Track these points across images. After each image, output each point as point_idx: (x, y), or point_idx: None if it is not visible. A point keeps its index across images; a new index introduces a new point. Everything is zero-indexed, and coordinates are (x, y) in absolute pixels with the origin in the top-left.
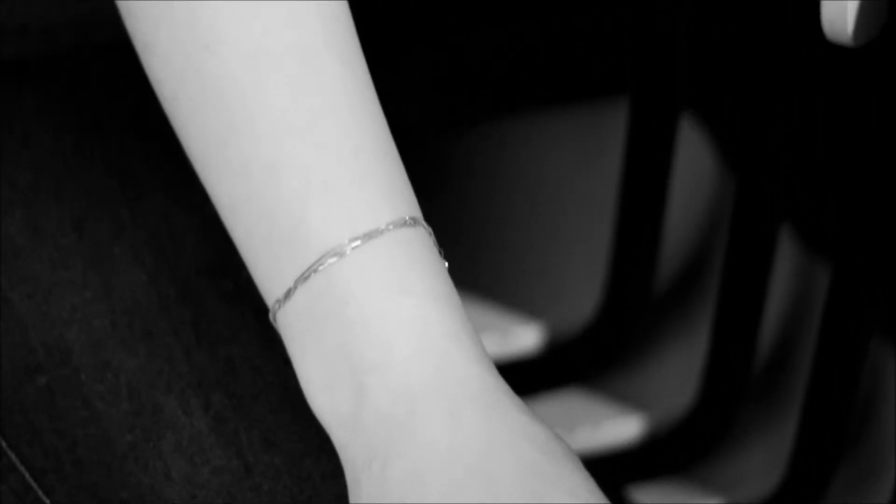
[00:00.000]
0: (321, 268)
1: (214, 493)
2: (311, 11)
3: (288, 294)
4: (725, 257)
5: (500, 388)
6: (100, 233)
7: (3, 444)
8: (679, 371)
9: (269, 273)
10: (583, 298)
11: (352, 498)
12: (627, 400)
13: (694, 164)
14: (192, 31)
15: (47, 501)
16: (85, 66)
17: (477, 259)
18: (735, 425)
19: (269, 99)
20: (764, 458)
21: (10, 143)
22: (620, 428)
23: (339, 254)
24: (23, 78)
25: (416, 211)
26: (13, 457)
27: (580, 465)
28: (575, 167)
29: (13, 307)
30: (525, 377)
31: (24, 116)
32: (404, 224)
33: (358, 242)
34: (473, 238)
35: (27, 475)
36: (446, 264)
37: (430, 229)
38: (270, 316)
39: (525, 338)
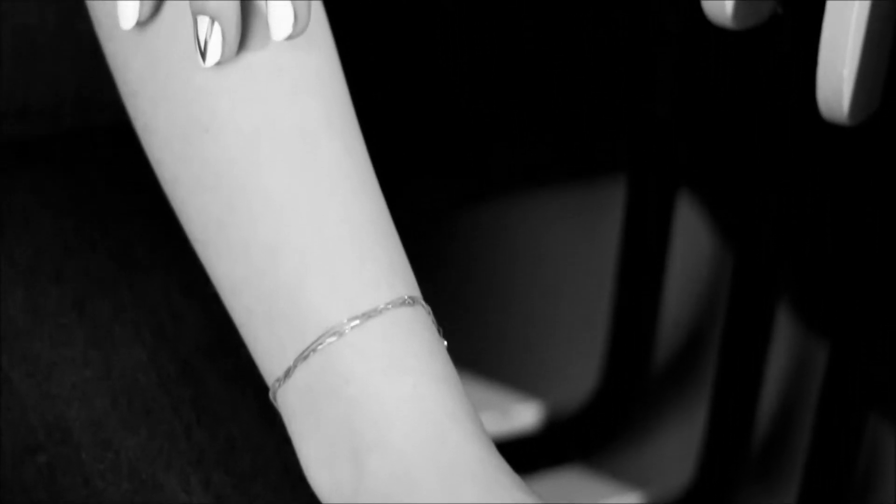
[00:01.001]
0: (320, 347)
1: None
2: (311, 94)
3: (288, 373)
4: (723, 334)
5: (499, 467)
6: (100, 312)
7: None
8: (678, 448)
9: (268, 352)
10: (582, 376)
11: None
12: (627, 477)
13: (691, 242)
14: (191, 112)
15: None
16: (85, 148)
17: (476, 338)
18: (734, 503)
19: (269, 181)
20: None
21: (10, 224)
22: None
23: (339, 333)
24: (23, 159)
25: (414, 290)
26: None
27: None
28: (573, 245)
29: (13, 386)
30: (525, 455)
31: (24, 197)
32: (403, 303)
33: (357, 322)
34: (472, 317)
35: None
36: (445, 343)
37: (428, 308)
38: (270, 394)
39: (524, 416)
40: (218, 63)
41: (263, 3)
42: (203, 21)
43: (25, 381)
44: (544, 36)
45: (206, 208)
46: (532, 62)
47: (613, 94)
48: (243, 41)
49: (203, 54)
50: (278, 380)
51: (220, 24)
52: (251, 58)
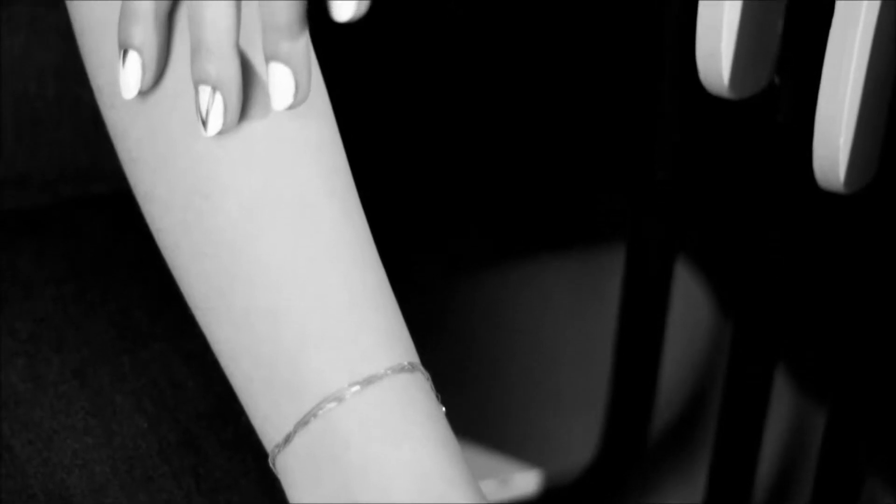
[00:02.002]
0: (321, 413)
1: None
2: (311, 163)
3: (287, 439)
4: (722, 401)
5: None
6: (100, 380)
7: None
8: None
9: (268, 418)
10: (581, 443)
11: None
12: None
13: (691, 309)
14: (192, 180)
15: None
16: (85, 217)
17: (475, 405)
18: None
19: (269, 248)
20: None
21: (11, 293)
22: None
23: (339, 399)
24: (24, 228)
25: (413, 356)
26: None
27: None
28: (573, 312)
29: (15, 454)
30: None
31: (25, 266)
32: (402, 369)
33: (357, 388)
34: (471, 384)
35: None
36: (444, 409)
37: (427, 375)
38: (270, 461)
39: (524, 484)
40: (219, 132)
41: (264, 72)
42: (205, 90)
43: (26, 448)
44: (545, 102)
45: (207, 275)
46: (532, 128)
47: (614, 160)
48: (244, 110)
49: (205, 123)
50: (278, 446)
51: (222, 94)
52: (252, 127)
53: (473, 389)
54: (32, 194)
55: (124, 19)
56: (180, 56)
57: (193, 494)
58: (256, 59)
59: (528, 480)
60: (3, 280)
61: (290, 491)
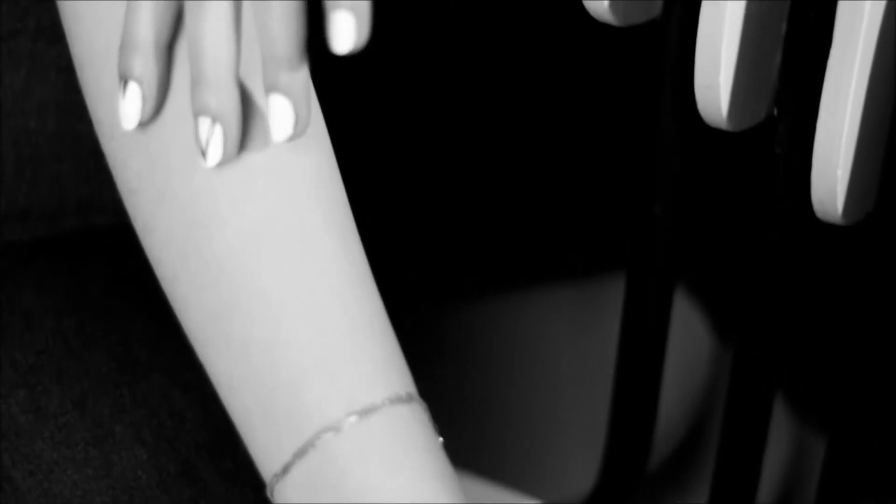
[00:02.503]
0: (319, 443)
1: None
2: (310, 195)
3: (285, 469)
4: (721, 429)
5: None
6: (101, 412)
7: None
8: None
9: (266, 448)
10: (581, 473)
11: None
12: None
13: (690, 339)
14: (191, 211)
15: None
16: (86, 250)
17: (473, 434)
18: None
19: (267, 279)
20: None
21: (12, 325)
22: None
23: (337, 429)
24: (25, 260)
25: (411, 387)
26: None
27: None
28: (572, 342)
29: (15, 485)
30: None
31: (26, 298)
32: (400, 400)
33: (355, 418)
34: (469, 413)
35: None
36: (441, 440)
37: (425, 405)
38: (267, 491)
39: None
40: (219, 163)
41: (264, 104)
42: (204, 122)
43: (27, 479)
44: (545, 132)
45: (205, 306)
46: (531, 158)
47: (613, 190)
48: (243, 141)
49: (204, 154)
50: (276, 476)
51: (222, 125)
52: (251, 158)
53: (471, 419)
54: (33, 227)
55: (124, 51)
56: (180, 87)
57: None
58: (256, 91)
59: None
60: (4, 312)
61: None
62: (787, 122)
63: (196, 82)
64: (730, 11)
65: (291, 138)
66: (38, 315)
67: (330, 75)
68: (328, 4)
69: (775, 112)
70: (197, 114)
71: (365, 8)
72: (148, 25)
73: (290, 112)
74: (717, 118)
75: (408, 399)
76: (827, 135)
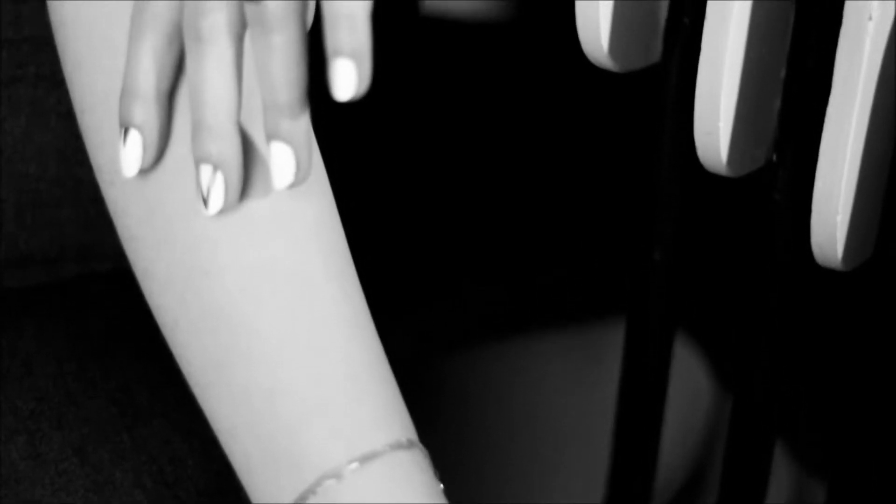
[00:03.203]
0: (319, 489)
1: None
2: (310, 241)
3: None
4: (722, 476)
5: None
6: (101, 458)
7: None
8: None
9: (267, 494)
10: None
11: None
12: None
13: (689, 386)
14: (192, 257)
15: None
16: (86, 295)
17: (474, 480)
18: None
19: (268, 325)
20: None
21: (12, 371)
22: None
23: (338, 476)
24: (25, 306)
25: (412, 433)
26: None
27: None
28: (572, 389)
29: None
30: None
31: (26, 344)
32: (401, 446)
33: (356, 465)
34: (470, 459)
35: None
36: (442, 486)
37: (426, 451)
38: None
39: None
40: (220, 211)
41: (265, 150)
42: (206, 169)
43: None
44: (544, 178)
45: (206, 352)
46: (531, 203)
47: (612, 237)
48: (244, 188)
49: (205, 202)
50: None
51: (223, 173)
52: (252, 205)
53: (472, 465)
54: (33, 273)
55: (125, 97)
56: (181, 134)
57: None
58: (257, 138)
59: None
60: (5, 358)
61: None
62: (786, 168)
63: (197, 129)
64: (729, 57)
65: (293, 185)
66: (38, 361)
67: (331, 121)
68: (329, 52)
69: (775, 158)
70: (198, 161)
71: (366, 56)
72: (149, 72)
73: (292, 159)
74: (717, 164)
75: (409, 445)
76: (826, 181)
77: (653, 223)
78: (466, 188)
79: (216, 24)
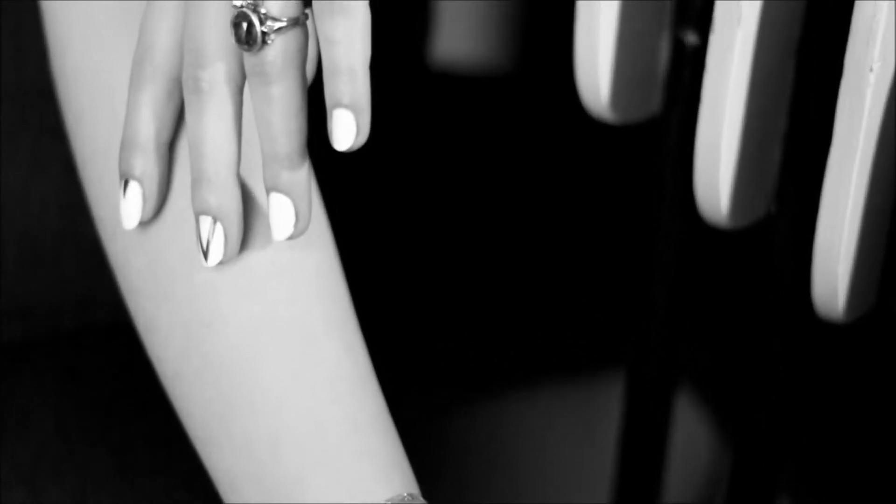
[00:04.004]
0: None
1: None
2: (311, 293)
3: None
4: None
5: None
6: None
7: None
8: None
9: None
10: None
11: None
12: None
13: (689, 441)
14: (193, 309)
15: None
16: (86, 347)
17: None
18: None
19: (269, 376)
20: None
21: (11, 423)
22: None
23: None
24: (25, 358)
25: (413, 486)
26: None
27: None
28: (571, 443)
29: None
30: None
31: (26, 396)
32: (402, 500)
33: None
34: None
35: None
36: None
37: None
38: None
39: None
40: (220, 262)
41: (265, 202)
42: (206, 221)
43: None
44: (544, 231)
45: (207, 403)
46: (531, 257)
47: (613, 289)
48: (244, 240)
49: (205, 254)
50: None
51: (223, 225)
52: (252, 256)
53: None
54: (34, 325)
55: (125, 150)
56: (180, 186)
57: None
58: (257, 189)
59: None
60: (5, 409)
61: None
62: (787, 220)
63: (197, 181)
64: (729, 109)
65: (293, 237)
66: (39, 412)
67: (332, 172)
68: (329, 103)
69: (774, 209)
70: (198, 213)
71: (365, 106)
72: (149, 124)
73: (291, 211)
74: (718, 216)
75: (410, 500)
76: (828, 232)
77: (653, 275)
78: (467, 239)
79: (216, 75)
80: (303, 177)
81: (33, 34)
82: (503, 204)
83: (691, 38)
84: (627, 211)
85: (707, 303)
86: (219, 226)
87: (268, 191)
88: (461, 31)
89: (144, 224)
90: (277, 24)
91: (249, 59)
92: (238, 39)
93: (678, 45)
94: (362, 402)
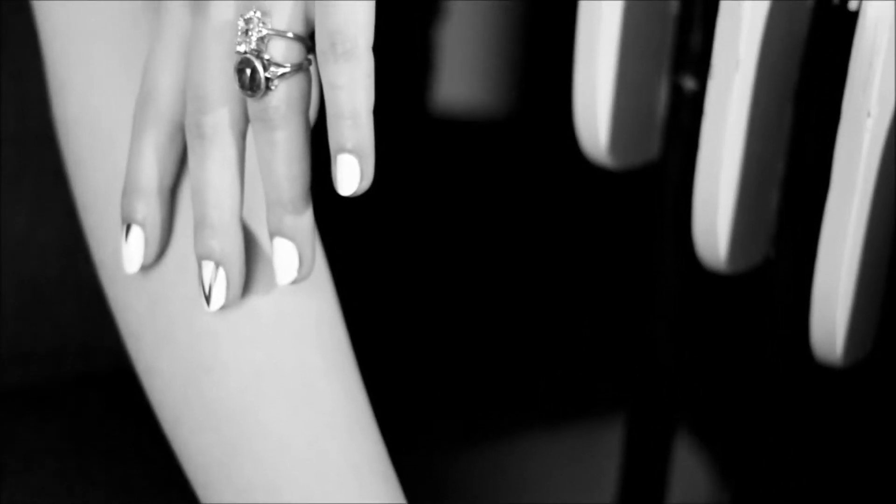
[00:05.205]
0: None
1: None
2: (312, 338)
3: None
4: None
5: None
6: None
7: None
8: None
9: None
10: None
11: None
12: None
13: (689, 486)
14: (194, 354)
15: None
16: (87, 393)
17: None
18: None
19: (270, 422)
20: None
21: (13, 466)
22: None
23: None
24: (26, 403)
25: None
26: None
27: None
28: (571, 490)
29: None
30: None
31: (27, 440)
32: None
33: None
34: None
35: None
36: None
37: None
38: None
39: None
40: (221, 307)
41: (268, 246)
42: (208, 265)
43: None
44: (542, 276)
45: (208, 448)
46: (530, 306)
47: (611, 335)
48: (247, 285)
49: (207, 298)
50: None
51: (225, 269)
52: (254, 301)
53: None
54: (35, 370)
55: (127, 194)
56: (183, 230)
57: None
58: (260, 234)
59: None
60: (5, 453)
61: None
62: (785, 264)
63: (199, 226)
64: (728, 154)
65: (296, 281)
66: (39, 457)
67: (334, 216)
68: (332, 147)
69: (772, 254)
70: (200, 257)
71: (369, 152)
72: (151, 169)
73: (295, 255)
74: (716, 261)
75: None
76: (826, 277)
77: (652, 320)
78: (469, 285)
79: (219, 120)
80: (306, 221)
81: (35, 80)
82: (505, 249)
83: (690, 83)
84: (627, 256)
85: (706, 348)
86: (221, 270)
87: (271, 235)
88: (463, 77)
89: (146, 268)
90: (281, 70)
91: (253, 104)
92: (242, 85)
93: (677, 91)
94: (362, 447)
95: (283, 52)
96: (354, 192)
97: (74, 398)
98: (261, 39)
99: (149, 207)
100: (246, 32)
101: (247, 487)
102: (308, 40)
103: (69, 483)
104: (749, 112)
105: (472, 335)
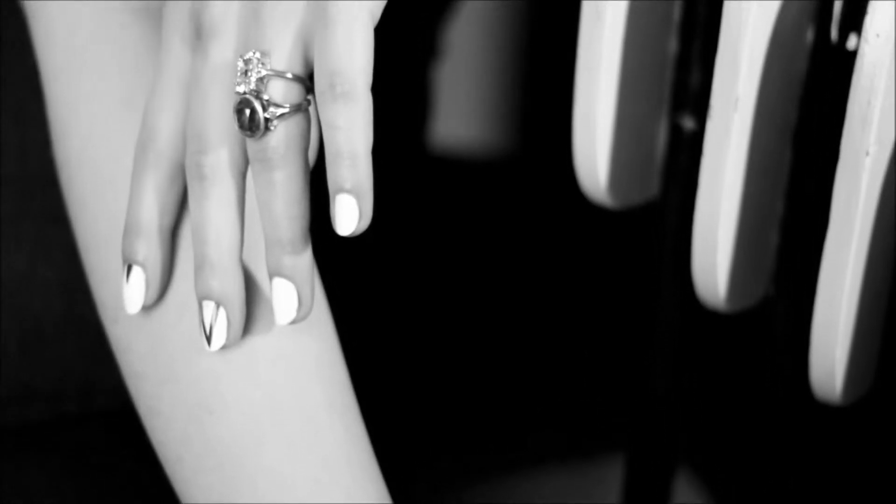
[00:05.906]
0: None
1: None
2: (312, 378)
3: None
4: None
5: None
6: None
7: None
8: None
9: None
10: None
11: None
12: None
13: None
14: (195, 394)
15: None
16: (88, 432)
17: None
18: None
19: (271, 461)
20: None
21: None
22: None
23: None
24: (27, 443)
25: None
26: None
27: None
28: None
29: None
30: None
31: (28, 480)
32: None
33: None
34: None
35: None
36: None
37: None
38: None
39: None
40: (222, 347)
41: (267, 287)
42: (208, 306)
43: None
44: (540, 315)
45: (210, 488)
46: (529, 342)
47: (612, 374)
48: (247, 325)
49: (208, 338)
50: None
51: (226, 309)
52: (254, 341)
53: None
54: (36, 410)
55: (128, 235)
56: (183, 271)
57: None
58: (259, 274)
59: None
60: (7, 493)
61: None
62: (784, 303)
63: (199, 266)
64: (727, 193)
65: (295, 321)
66: (40, 495)
67: (334, 257)
68: (331, 188)
69: (772, 292)
70: (201, 298)
71: (368, 192)
72: (151, 209)
73: (294, 296)
74: (716, 300)
75: None
76: (825, 315)
77: (652, 359)
78: (466, 323)
79: (218, 161)
80: (305, 261)
81: (37, 122)
82: (503, 288)
83: (689, 122)
84: (626, 295)
85: (707, 386)
86: (222, 310)
87: (271, 276)
88: (462, 116)
89: (147, 308)
90: (280, 111)
91: (252, 145)
92: (241, 126)
93: (676, 130)
94: (363, 486)
95: (282, 92)
96: (353, 232)
97: (75, 437)
98: (260, 80)
99: (149, 248)
100: (245, 73)
101: None
102: (307, 81)
103: None
104: (748, 151)
105: (473, 375)
